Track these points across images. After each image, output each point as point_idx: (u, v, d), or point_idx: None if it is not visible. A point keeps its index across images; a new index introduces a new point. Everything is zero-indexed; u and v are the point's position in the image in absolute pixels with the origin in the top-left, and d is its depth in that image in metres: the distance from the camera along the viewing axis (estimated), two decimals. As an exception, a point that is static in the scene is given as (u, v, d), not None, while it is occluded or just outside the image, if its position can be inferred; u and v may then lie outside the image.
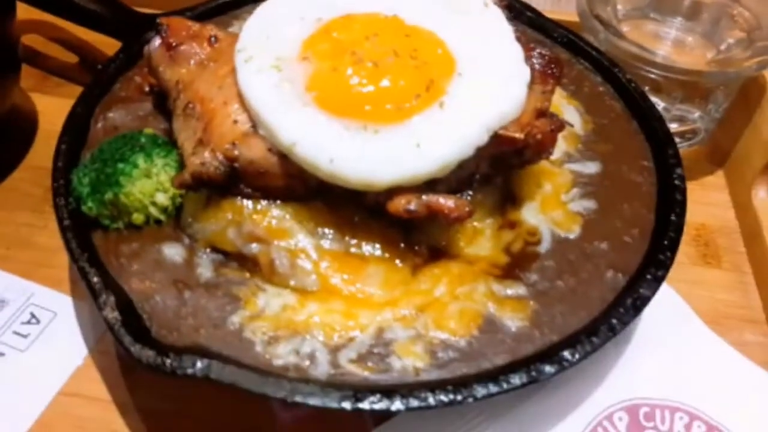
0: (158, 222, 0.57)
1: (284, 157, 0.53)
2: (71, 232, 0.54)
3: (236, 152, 0.53)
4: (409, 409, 0.45)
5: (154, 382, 0.56)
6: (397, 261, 0.55)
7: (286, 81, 0.55)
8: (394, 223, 0.55)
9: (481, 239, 0.57)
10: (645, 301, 0.53)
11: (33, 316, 0.60)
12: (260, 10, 0.61)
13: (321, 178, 0.53)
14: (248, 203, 0.55)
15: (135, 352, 0.47)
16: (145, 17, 0.74)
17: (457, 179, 0.55)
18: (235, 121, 0.55)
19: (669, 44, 0.77)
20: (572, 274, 0.56)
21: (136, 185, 0.55)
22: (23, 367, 0.57)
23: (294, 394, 0.46)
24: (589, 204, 0.61)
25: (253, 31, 0.59)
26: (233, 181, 0.54)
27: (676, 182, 0.62)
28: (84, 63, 0.85)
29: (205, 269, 0.54)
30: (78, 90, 0.81)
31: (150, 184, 0.56)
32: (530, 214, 0.59)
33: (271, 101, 0.54)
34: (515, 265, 0.56)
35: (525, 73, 0.57)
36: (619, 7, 0.78)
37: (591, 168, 0.64)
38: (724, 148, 0.78)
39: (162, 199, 0.56)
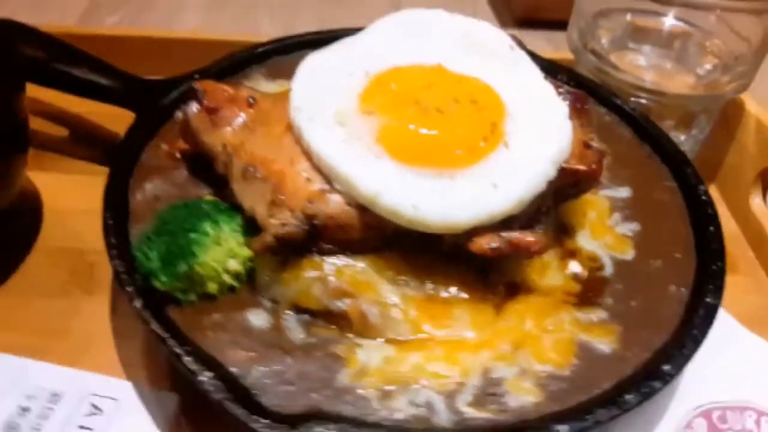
0: (231, 289, 0.55)
1: (363, 209, 0.53)
2: (148, 311, 0.52)
3: (315, 209, 0.53)
4: (550, 443, 0.46)
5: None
6: (479, 301, 0.56)
7: (354, 135, 0.55)
8: (470, 265, 0.56)
9: (550, 271, 0.59)
10: (714, 309, 0.57)
11: (94, 407, 0.56)
12: (305, 69, 0.61)
13: (402, 225, 0.53)
14: (328, 259, 0.54)
15: (265, 430, 0.45)
16: (153, 84, 0.72)
17: (528, 215, 0.56)
18: (308, 179, 0.54)
19: (654, 72, 0.82)
20: (641, 293, 0.59)
21: (209, 254, 0.53)
22: (99, 463, 0.53)
23: (432, 444, 0.46)
24: (633, 226, 0.64)
25: (304, 89, 0.59)
26: (312, 238, 0.54)
27: (704, 198, 0.66)
28: (75, 135, 0.81)
29: (295, 331, 0.53)
30: (74, 163, 0.78)
31: (221, 252, 0.54)
32: (585, 241, 0.62)
33: (345, 156, 0.54)
34: (588, 291, 0.58)
35: (564, 108, 0.60)
36: (603, 40, 0.83)
37: (623, 192, 0.68)
38: (711, 166, 0.85)
39: (234, 265, 0.55)
